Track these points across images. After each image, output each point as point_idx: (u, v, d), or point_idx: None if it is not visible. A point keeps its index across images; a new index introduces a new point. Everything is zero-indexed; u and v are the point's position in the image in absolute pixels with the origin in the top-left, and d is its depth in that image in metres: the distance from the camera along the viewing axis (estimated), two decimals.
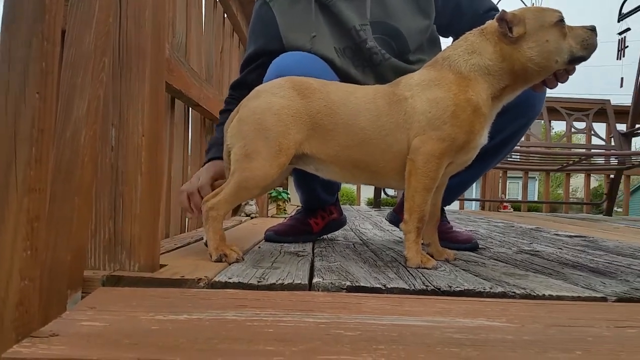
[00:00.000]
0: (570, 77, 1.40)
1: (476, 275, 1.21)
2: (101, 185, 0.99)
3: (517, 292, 1.03)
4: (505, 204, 6.15)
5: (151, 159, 1.03)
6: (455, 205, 6.29)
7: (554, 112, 5.37)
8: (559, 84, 1.39)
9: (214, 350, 0.66)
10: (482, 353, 0.70)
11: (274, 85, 1.37)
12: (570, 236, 2.70)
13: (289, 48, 1.68)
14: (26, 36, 0.68)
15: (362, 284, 1.03)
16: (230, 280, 1.01)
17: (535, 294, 1.03)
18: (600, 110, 5.42)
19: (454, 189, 1.89)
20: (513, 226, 3.38)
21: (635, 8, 5.16)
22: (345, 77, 1.69)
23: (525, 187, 6.27)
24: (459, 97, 1.27)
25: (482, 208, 5.97)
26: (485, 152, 1.75)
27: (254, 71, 1.75)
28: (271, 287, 1.00)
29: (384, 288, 1.02)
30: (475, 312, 0.89)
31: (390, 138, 1.30)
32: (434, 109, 1.27)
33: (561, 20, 1.30)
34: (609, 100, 5.56)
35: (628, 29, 5.49)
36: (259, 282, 1.01)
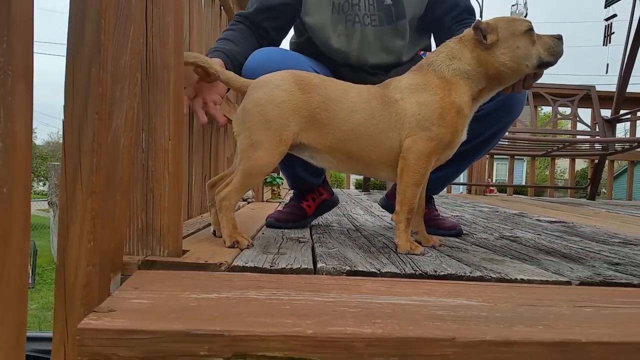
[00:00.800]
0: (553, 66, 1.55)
1: (459, 261, 1.38)
2: (134, 182, 1.14)
3: (493, 276, 1.20)
4: (491, 187, 6.33)
5: (175, 159, 1.17)
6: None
7: (540, 98, 5.53)
8: (525, 88, 1.56)
9: (244, 322, 0.82)
10: (461, 326, 0.86)
11: (277, 77, 1.48)
12: (551, 222, 2.88)
13: None
14: (86, 67, 0.83)
15: (359, 269, 1.19)
16: (247, 265, 1.17)
17: (508, 278, 1.20)
18: (585, 96, 5.58)
19: (441, 180, 2.07)
20: (497, 211, 3.55)
21: None
22: (328, 43, 1.88)
23: (511, 171, 6.46)
24: (444, 100, 1.42)
25: (469, 192, 6.16)
26: (469, 150, 1.94)
27: (265, 19, 1.88)
28: (282, 271, 1.16)
29: (378, 272, 1.18)
30: (456, 293, 1.06)
31: (383, 136, 1.45)
32: (423, 111, 1.42)
33: (530, 29, 1.45)
34: (594, 87, 5.70)
35: (614, 15, 5.63)
36: (271, 266, 1.17)
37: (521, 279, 1.19)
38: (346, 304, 0.95)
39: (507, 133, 5.48)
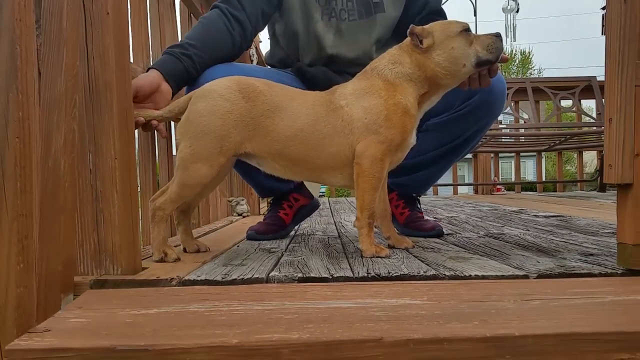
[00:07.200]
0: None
1: (422, 261, 1.37)
2: (84, 203, 1.16)
3: (447, 273, 1.19)
4: (498, 186, 6.28)
5: (124, 177, 1.19)
6: (449, 190, 6.44)
7: (540, 92, 5.49)
8: (482, 86, 1.58)
9: (172, 335, 0.83)
10: (393, 326, 0.86)
11: (221, 86, 1.47)
12: (548, 216, 2.84)
13: None
14: (4, 92, 0.85)
15: (312, 275, 1.19)
16: (199, 278, 1.17)
17: (462, 275, 1.19)
18: (587, 87, 5.53)
19: (425, 180, 2.07)
20: (497, 210, 3.51)
21: None
22: (307, 26, 1.88)
23: (517, 168, 6.41)
24: (389, 101, 1.43)
25: (476, 192, 6.10)
26: (451, 149, 1.95)
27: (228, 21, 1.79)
28: (233, 282, 1.16)
29: (331, 277, 1.18)
30: (402, 293, 1.06)
31: (328, 140, 1.45)
32: (369, 115, 1.43)
33: (466, 29, 1.47)
34: (594, 77, 5.65)
35: None
36: (222, 278, 1.17)
37: (475, 275, 1.18)
38: (285, 311, 0.95)
39: (510, 130, 5.45)
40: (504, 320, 0.90)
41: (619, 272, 1.22)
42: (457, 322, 0.88)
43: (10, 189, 0.85)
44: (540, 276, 1.20)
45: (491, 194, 5.92)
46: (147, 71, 1.65)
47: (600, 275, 1.21)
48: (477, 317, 0.91)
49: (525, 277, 1.19)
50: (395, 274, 1.19)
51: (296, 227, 2.31)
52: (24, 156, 0.87)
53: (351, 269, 1.27)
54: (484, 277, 1.18)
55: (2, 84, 0.85)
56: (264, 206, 3.66)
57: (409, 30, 1.49)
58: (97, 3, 1.14)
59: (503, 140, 5.75)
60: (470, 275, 1.18)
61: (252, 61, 3.52)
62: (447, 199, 5.25)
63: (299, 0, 1.89)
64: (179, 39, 2.40)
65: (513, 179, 6.82)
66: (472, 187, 6.40)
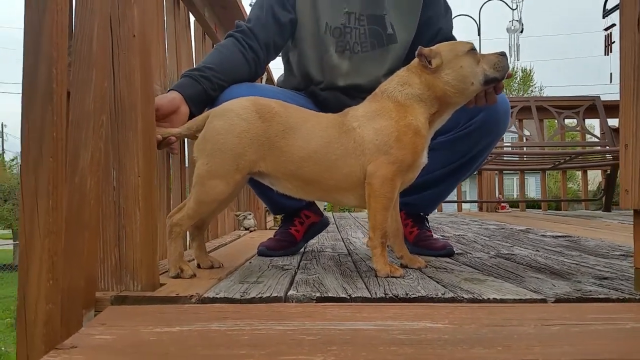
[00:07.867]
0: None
1: (437, 282, 1.38)
2: (106, 220, 1.17)
3: (466, 296, 1.20)
4: (503, 204, 6.28)
5: (146, 195, 1.20)
6: (453, 206, 6.44)
7: (544, 111, 5.51)
8: (488, 103, 1.61)
9: (198, 355, 0.84)
10: (416, 350, 0.87)
11: (239, 105, 1.50)
12: (556, 236, 2.84)
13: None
14: (40, 114, 0.87)
15: (330, 295, 1.20)
16: (218, 296, 1.18)
17: (481, 298, 1.19)
18: (591, 106, 5.55)
19: (433, 199, 2.08)
20: (504, 228, 3.51)
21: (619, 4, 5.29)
22: (321, 57, 1.91)
23: (522, 186, 6.41)
24: (400, 123, 1.46)
25: (480, 209, 6.10)
26: (458, 167, 1.96)
27: (246, 48, 1.82)
28: (251, 301, 1.17)
29: (348, 297, 1.19)
30: (422, 316, 1.06)
31: (340, 162, 1.48)
32: (380, 137, 1.46)
33: (472, 49, 1.51)
34: (598, 97, 5.67)
35: (613, 25, 5.63)
36: (241, 296, 1.18)
37: (494, 298, 1.19)
38: (307, 331, 0.96)
39: (513, 148, 5.45)
40: (526, 346, 0.90)
41: (637, 297, 1.22)
42: (480, 347, 0.89)
43: (43, 207, 0.87)
44: (558, 300, 1.20)
45: (496, 212, 5.91)
46: (167, 92, 1.67)
47: (618, 300, 1.21)
48: (499, 343, 0.91)
49: (543, 301, 1.20)
50: (413, 296, 1.19)
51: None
52: (57, 175, 0.89)
53: (367, 289, 1.28)
54: (502, 301, 1.18)
55: (38, 105, 0.87)
56: (270, 220, 3.67)
57: (417, 51, 1.52)
58: (124, 26, 1.16)
59: (506, 158, 5.76)
60: (489, 299, 1.19)
61: (261, 79, 3.55)
62: (451, 215, 5.25)
63: (313, 32, 1.92)
64: (194, 56, 2.44)
65: (516, 196, 6.81)
66: (476, 204, 6.39)
